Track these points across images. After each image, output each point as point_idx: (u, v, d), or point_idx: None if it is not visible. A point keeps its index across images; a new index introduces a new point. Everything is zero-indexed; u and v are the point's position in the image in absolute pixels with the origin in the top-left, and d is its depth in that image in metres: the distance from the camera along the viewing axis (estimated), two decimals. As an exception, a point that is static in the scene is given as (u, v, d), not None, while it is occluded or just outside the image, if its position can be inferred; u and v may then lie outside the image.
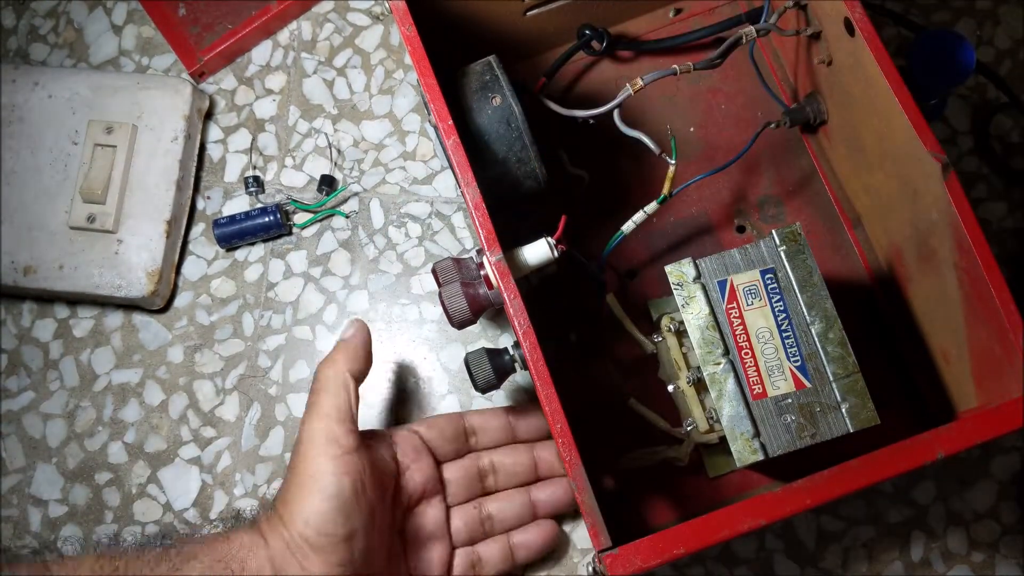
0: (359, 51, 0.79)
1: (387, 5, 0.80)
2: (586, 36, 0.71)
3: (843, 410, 0.52)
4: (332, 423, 0.55)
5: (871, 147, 0.61)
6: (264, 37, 0.80)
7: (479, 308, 0.57)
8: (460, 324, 0.58)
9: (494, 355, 0.58)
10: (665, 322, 0.58)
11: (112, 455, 0.73)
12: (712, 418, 0.56)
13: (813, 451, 0.53)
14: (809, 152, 0.72)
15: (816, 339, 0.53)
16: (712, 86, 0.74)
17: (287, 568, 0.53)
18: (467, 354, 0.59)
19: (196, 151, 0.76)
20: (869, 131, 0.61)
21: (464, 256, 0.59)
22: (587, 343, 0.67)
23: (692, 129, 0.73)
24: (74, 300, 0.75)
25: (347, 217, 0.76)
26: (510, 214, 0.63)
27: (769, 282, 0.54)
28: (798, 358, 0.53)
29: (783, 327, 0.53)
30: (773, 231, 0.55)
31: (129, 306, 0.75)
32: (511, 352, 0.57)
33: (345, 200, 0.76)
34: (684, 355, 0.58)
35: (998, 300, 0.51)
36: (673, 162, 0.59)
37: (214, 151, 0.78)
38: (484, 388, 0.58)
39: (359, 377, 0.59)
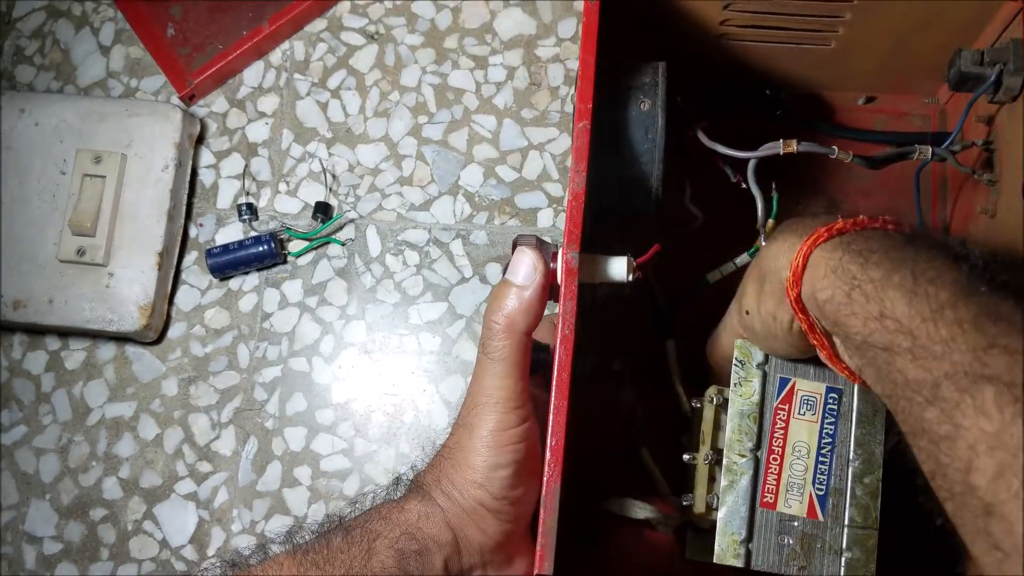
0: (353, 72, 0.77)
1: (382, 24, 0.78)
2: (765, 97, 0.68)
3: (843, 559, 0.49)
4: (509, 381, 0.52)
5: None
6: (256, 58, 0.78)
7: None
8: None
9: (535, 347, 0.56)
10: (711, 391, 0.56)
11: (107, 491, 0.71)
12: (712, 505, 0.54)
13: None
14: None
15: (850, 478, 0.50)
16: (867, 188, 0.69)
17: (465, 530, 0.52)
18: None
19: (187, 179, 0.74)
20: None
21: (549, 242, 0.56)
22: (629, 376, 0.65)
23: None
24: (65, 332, 0.74)
25: (343, 245, 0.74)
26: (606, 224, 0.59)
27: (831, 401, 0.51)
28: (823, 488, 0.50)
29: (823, 451, 0.51)
30: None
31: (122, 337, 0.73)
32: (549, 354, 0.55)
33: (341, 227, 0.74)
34: (713, 432, 0.56)
35: None
36: (762, 223, 0.58)
37: (206, 176, 0.76)
38: None
39: (532, 331, 0.53)
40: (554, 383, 0.48)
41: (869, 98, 0.70)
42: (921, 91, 0.69)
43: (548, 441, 0.48)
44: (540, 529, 0.46)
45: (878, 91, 0.69)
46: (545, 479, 0.47)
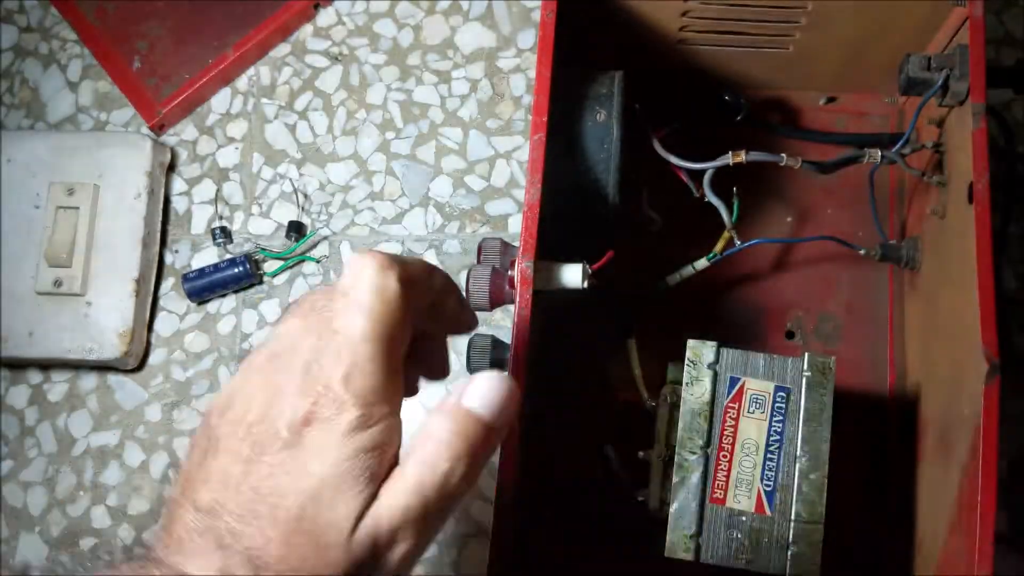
0: (319, 93, 0.79)
1: (345, 45, 0.79)
2: (725, 102, 0.67)
3: (789, 553, 0.51)
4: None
5: (943, 316, 0.58)
6: (223, 85, 0.79)
7: (498, 301, 0.54)
8: (474, 308, 0.54)
9: (497, 346, 0.56)
10: (667, 390, 0.57)
11: (96, 520, 0.72)
12: (665, 500, 0.56)
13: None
14: (888, 290, 0.68)
15: (797, 474, 0.52)
16: (828, 187, 0.69)
17: None
18: (474, 336, 0.56)
19: (160, 206, 0.75)
20: (946, 300, 0.57)
21: (514, 244, 0.57)
22: (594, 375, 0.66)
23: (789, 219, 0.70)
24: (46, 365, 0.74)
25: (318, 262, 0.75)
26: (568, 231, 0.61)
27: (779, 400, 0.53)
28: (771, 484, 0.52)
29: (771, 448, 0.52)
30: (806, 354, 0.54)
31: (103, 367, 0.74)
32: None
33: (315, 245, 0.75)
34: (668, 430, 0.57)
35: (980, 527, 0.47)
36: (730, 228, 0.60)
37: (179, 203, 0.77)
38: None
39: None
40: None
41: (830, 98, 0.71)
42: (881, 91, 0.70)
43: (508, 445, 0.48)
44: (493, 529, 0.47)
45: (839, 91, 0.71)
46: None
